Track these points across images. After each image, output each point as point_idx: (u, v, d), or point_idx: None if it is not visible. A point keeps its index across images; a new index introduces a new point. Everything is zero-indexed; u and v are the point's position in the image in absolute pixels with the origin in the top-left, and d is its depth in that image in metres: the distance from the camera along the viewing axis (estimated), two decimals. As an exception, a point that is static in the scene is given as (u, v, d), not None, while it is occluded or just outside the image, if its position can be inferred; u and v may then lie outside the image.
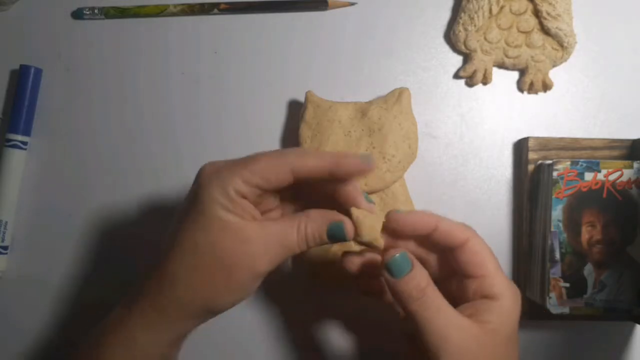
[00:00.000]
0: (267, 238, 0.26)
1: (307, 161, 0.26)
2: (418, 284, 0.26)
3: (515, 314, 0.27)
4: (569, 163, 0.34)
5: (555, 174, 0.34)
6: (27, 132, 0.38)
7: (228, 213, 0.26)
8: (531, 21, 0.37)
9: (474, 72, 0.38)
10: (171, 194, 0.39)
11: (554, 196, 0.34)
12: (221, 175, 0.26)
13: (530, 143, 0.37)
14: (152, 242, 0.38)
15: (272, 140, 0.38)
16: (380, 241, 0.28)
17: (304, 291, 0.38)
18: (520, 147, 0.38)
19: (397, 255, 0.26)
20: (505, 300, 0.27)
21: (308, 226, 0.27)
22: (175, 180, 0.39)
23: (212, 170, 0.26)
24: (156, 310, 0.27)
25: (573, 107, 0.38)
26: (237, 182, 0.25)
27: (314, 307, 0.38)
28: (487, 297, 0.27)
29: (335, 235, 0.27)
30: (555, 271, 0.34)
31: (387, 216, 0.28)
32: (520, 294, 0.28)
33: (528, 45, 0.37)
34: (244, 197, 0.26)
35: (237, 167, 0.26)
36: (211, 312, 0.27)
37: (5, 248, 0.38)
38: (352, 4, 0.39)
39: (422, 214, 0.28)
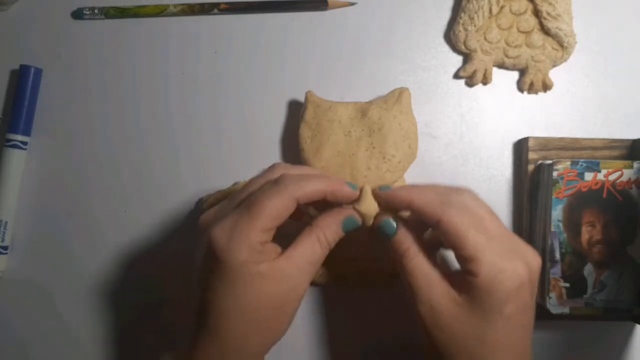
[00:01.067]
0: (299, 265, 0.28)
1: (306, 189, 0.28)
2: (401, 245, 0.29)
3: (496, 292, 0.27)
4: (569, 163, 0.34)
5: (555, 174, 0.34)
6: (27, 132, 0.39)
7: (261, 264, 0.27)
8: (531, 21, 0.37)
9: (474, 72, 0.38)
10: (171, 194, 0.39)
11: (554, 196, 0.34)
12: (239, 236, 0.27)
13: (530, 143, 0.37)
14: (152, 242, 0.38)
15: (272, 140, 0.38)
16: (371, 221, 0.31)
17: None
18: (520, 147, 0.38)
19: (383, 220, 0.30)
20: (482, 276, 0.27)
21: (326, 234, 0.29)
22: (175, 180, 0.39)
23: (224, 234, 0.27)
24: None
25: (573, 107, 0.38)
26: (258, 234, 0.27)
27: (319, 306, 0.38)
28: (466, 272, 0.28)
29: (350, 227, 0.30)
30: (555, 271, 0.34)
31: (373, 192, 0.30)
32: (519, 271, 0.27)
33: (528, 45, 0.37)
34: (267, 242, 0.28)
35: (249, 220, 0.27)
36: (263, 353, 0.29)
37: (5, 248, 0.38)
38: (352, 4, 0.39)
39: (398, 191, 0.30)
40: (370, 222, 0.31)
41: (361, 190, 0.30)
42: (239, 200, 0.29)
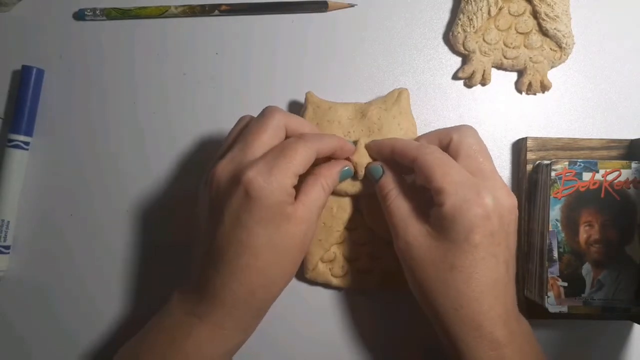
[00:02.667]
0: (312, 209, 0.30)
1: (325, 145, 0.31)
2: (383, 187, 0.32)
3: (460, 220, 0.28)
4: (567, 163, 0.34)
5: (553, 174, 0.34)
6: (29, 133, 0.39)
7: (289, 206, 0.29)
8: (529, 22, 0.37)
9: (473, 73, 0.38)
10: (172, 194, 0.39)
11: (552, 196, 0.34)
12: (277, 178, 0.29)
13: (529, 143, 0.37)
14: (153, 242, 0.39)
15: (272, 140, 0.39)
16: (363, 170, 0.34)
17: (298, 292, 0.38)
18: (519, 148, 0.38)
19: (371, 166, 0.34)
20: (447, 206, 0.29)
21: (327, 181, 0.32)
22: (176, 180, 0.39)
23: (261, 176, 0.28)
24: (228, 311, 0.30)
25: (571, 108, 0.39)
26: (292, 178, 0.29)
27: (313, 308, 0.38)
28: (435, 203, 0.30)
29: (345, 176, 0.34)
30: (554, 270, 0.34)
31: (365, 145, 0.34)
32: (485, 202, 0.29)
33: (526, 46, 0.38)
34: (294, 186, 0.30)
35: (285, 164, 0.29)
36: (279, 293, 0.31)
37: (7, 248, 0.38)
38: (352, 5, 0.39)
39: (384, 140, 0.34)
40: (362, 170, 0.34)
41: (356, 143, 0.34)
42: (255, 149, 0.30)
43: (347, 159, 0.34)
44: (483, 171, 0.31)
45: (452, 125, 0.38)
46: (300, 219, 0.30)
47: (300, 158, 0.29)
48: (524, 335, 0.30)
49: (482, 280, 0.29)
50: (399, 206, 0.31)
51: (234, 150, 0.30)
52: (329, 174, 0.32)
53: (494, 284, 0.29)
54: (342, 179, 0.34)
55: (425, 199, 0.31)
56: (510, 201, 0.30)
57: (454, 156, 0.31)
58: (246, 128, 0.31)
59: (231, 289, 0.29)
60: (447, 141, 0.32)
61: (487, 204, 0.29)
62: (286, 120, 0.31)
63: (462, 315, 0.29)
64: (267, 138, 0.30)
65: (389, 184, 0.32)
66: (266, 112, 0.31)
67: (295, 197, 0.30)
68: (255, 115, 0.33)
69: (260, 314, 0.32)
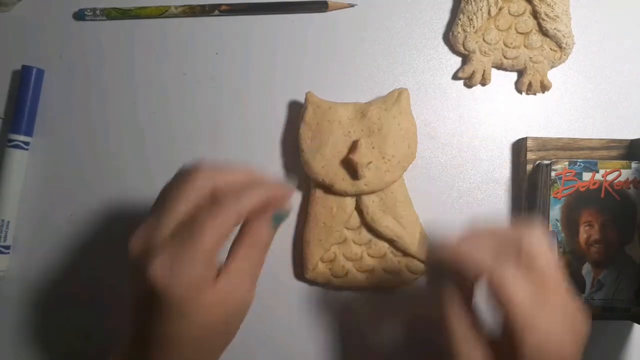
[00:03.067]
0: (242, 276, 0.27)
1: (249, 204, 0.26)
2: (445, 302, 0.27)
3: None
4: (567, 163, 0.34)
5: (553, 174, 0.34)
6: (29, 133, 0.39)
7: (205, 296, 0.25)
8: (529, 22, 0.37)
9: (473, 73, 0.38)
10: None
11: (552, 196, 0.34)
12: (185, 267, 0.25)
13: (529, 143, 0.37)
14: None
15: (272, 140, 0.39)
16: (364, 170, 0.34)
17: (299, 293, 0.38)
18: (519, 148, 0.38)
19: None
20: (527, 349, 0.25)
21: (258, 239, 0.27)
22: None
23: (165, 271, 0.25)
24: None
25: (571, 108, 0.39)
26: (202, 265, 0.25)
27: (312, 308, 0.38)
28: (511, 337, 0.25)
29: (280, 221, 0.28)
30: (554, 270, 0.34)
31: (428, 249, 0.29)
32: (566, 343, 0.26)
33: (526, 46, 0.38)
34: (210, 269, 0.26)
35: (192, 254, 0.25)
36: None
37: (7, 247, 0.38)
38: (352, 5, 0.39)
39: (443, 245, 0.27)
40: (362, 171, 0.34)
41: (357, 142, 0.34)
42: (169, 222, 0.26)
43: (347, 158, 0.31)
44: (559, 293, 0.26)
45: (452, 125, 0.39)
46: (222, 301, 0.26)
47: (210, 236, 0.25)
48: None
49: None
50: (463, 329, 0.27)
51: (148, 219, 0.27)
52: (257, 231, 0.27)
53: None
54: (277, 224, 0.28)
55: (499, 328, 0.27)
56: (585, 330, 0.27)
57: (526, 267, 0.26)
58: (167, 187, 0.27)
59: None
60: (516, 248, 0.26)
61: (568, 347, 0.26)
62: (212, 182, 0.27)
63: None
64: (181, 210, 0.26)
65: (451, 298, 0.27)
66: (191, 169, 0.27)
67: (220, 272, 0.26)
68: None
69: None
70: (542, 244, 0.26)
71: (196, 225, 0.25)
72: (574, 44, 0.38)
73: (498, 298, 0.25)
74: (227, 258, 0.27)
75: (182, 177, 0.27)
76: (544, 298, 0.25)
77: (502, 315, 0.26)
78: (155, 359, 0.26)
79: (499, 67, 0.38)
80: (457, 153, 0.38)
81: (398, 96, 0.37)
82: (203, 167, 0.27)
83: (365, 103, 0.37)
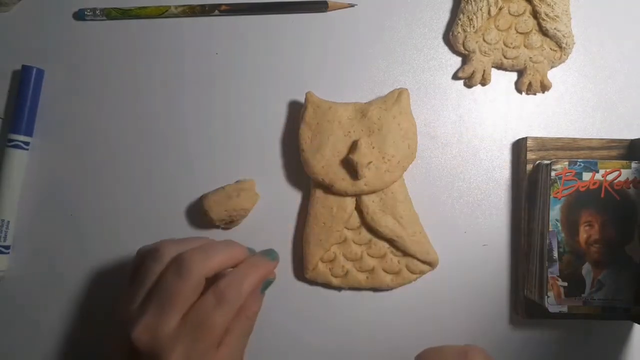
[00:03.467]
0: (236, 347, 0.30)
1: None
2: None
3: None
4: (567, 163, 0.34)
5: (553, 174, 0.34)
6: (29, 133, 0.39)
7: None
8: (529, 22, 0.37)
9: (473, 72, 0.38)
10: (173, 194, 0.39)
11: (552, 196, 0.34)
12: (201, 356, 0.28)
13: (529, 143, 0.37)
14: (153, 242, 0.39)
15: (272, 140, 0.39)
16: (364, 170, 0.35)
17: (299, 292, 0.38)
18: (519, 147, 0.38)
19: None
20: None
21: (253, 309, 0.31)
22: (176, 179, 0.39)
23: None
24: None
25: (571, 108, 0.39)
26: (214, 351, 0.29)
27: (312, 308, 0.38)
28: None
29: (267, 287, 0.32)
30: (554, 270, 0.34)
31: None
32: None
33: (526, 46, 0.38)
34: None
35: (204, 344, 0.28)
36: None
37: (7, 247, 0.38)
38: (352, 5, 0.39)
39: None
40: (362, 170, 0.34)
41: (357, 142, 0.35)
42: (173, 317, 0.29)
43: (347, 158, 0.33)
44: None
45: (452, 125, 0.39)
46: None
47: (220, 330, 0.29)
48: None
49: None
50: None
51: (148, 312, 0.29)
52: (250, 306, 0.30)
53: None
54: (265, 290, 0.32)
55: None
56: None
57: None
58: (162, 283, 0.29)
59: None
60: None
61: None
62: (207, 272, 0.29)
63: None
64: (183, 302, 0.28)
65: None
66: (185, 266, 0.29)
67: (224, 340, 0.29)
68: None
69: None
70: None
71: (206, 316, 0.28)
72: (574, 43, 0.38)
73: None
74: (226, 332, 0.29)
75: (174, 269, 0.29)
76: None
77: None
78: None
79: (499, 67, 0.38)
80: (457, 153, 0.38)
81: (398, 96, 0.37)
82: (192, 261, 0.29)
83: (365, 103, 0.37)
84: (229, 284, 0.29)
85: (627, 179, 0.34)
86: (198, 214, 0.38)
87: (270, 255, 0.32)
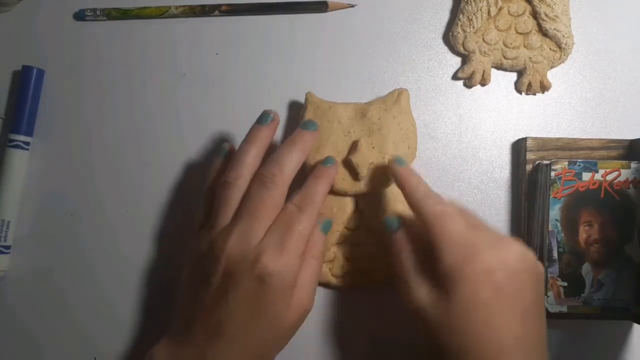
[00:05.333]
0: (309, 288, 0.31)
1: (322, 196, 0.33)
2: (396, 244, 0.31)
3: (465, 277, 0.27)
4: (566, 163, 0.34)
5: (553, 174, 0.34)
6: (29, 133, 0.39)
7: (293, 288, 0.30)
8: (529, 23, 0.38)
9: (473, 73, 0.38)
10: (173, 193, 0.39)
11: (551, 196, 0.34)
12: (289, 262, 0.30)
13: (528, 143, 0.37)
14: (154, 242, 0.39)
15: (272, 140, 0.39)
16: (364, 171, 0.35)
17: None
18: (519, 148, 0.38)
19: (387, 217, 0.33)
20: (446, 264, 0.28)
21: (320, 249, 0.32)
22: (177, 179, 0.39)
23: (274, 263, 0.29)
24: None
25: (571, 108, 0.39)
26: (301, 259, 0.31)
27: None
28: (437, 260, 0.28)
29: (328, 228, 0.34)
30: (553, 270, 0.34)
31: (389, 161, 0.34)
32: (486, 257, 0.27)
33: (526, 47, 0.38)
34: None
35: (295, 246, 0.30)
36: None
37: (8, 247, 0.38)
38: (352, 5, 0.39)
39: (401, 170, 0.32)
40: (363, 171, 0.34)
41: (357, 143, 0.35)
42: (260, 229, 0.30)
43: (347, 159, 0.34)
44: (481, 225, 0.30)
45: (452, 125, 0.39)
46: (299, 304, 0.30)
47: (306, 235, 0.31)
48: None
49: (501, 339, 0.27)
50: (409, 268, 0.30)
51: (239, 225, 0.30)
52: (315, 243, 0.32)
53: (515, 340, 0.27)
54: (327, 231, 0.34)
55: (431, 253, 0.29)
56: (515, 249, 0.28)
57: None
58: (248, 197, 0.31)
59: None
60: None
61: (488, 260, 0.27)
62: (288, 179, 0.32)
63: None
64: (271, 210, 0.31)
65: (402, 240, 0.31)
66: (267, 180, 0.31)
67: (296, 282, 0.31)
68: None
69: None
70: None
71: (292, 221, 0.30)
72: (573, 44, 0.38)
73: (426, 223, 0.29)
74: (297, 276, 0.30)
75: (258, 185, 0.31)
76: (471, 231, 0.29)
77: (430, 239, 0.29)
78: (233, 348, 0.29)
79: (499, 67, 0.38)
80: (457, 153, 0.38)
81: (398, 96, 0.37)
82: (273, 172, 0.31)
83: (365, 103, 0.37)
84: (305, 195, 0.32)
85: (627, 179, 0.34)
86: (194, 221, 0.38)
87: (313, 126, 0.34)
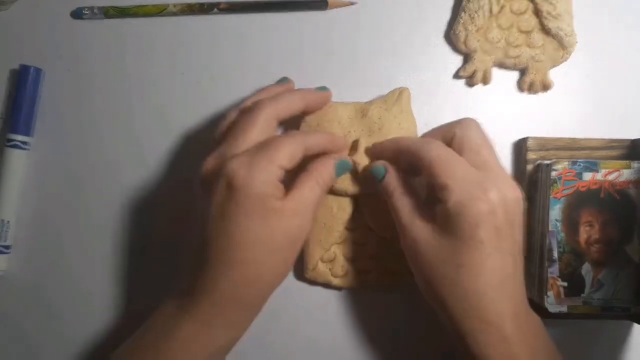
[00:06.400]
0: (305, 204, 0.30)
1: (313, 140, 0.32)
2: (388, 186, 0.32)
3: (465, 216, 0.28)
4: (567, 163, 0.34)
5: (553, 174, 0.34)
6: (27, 132, 0.39)
7: (277, 200, 0.29)
8: (531, 21, 0.37)
9: (474, 71, 0.38)
10: (173, 194, 0.39)
11: (552, 196, 0.34)
12: (260, 170, 0.28)
13: (529, 143, 0.37)
14: (154, 242, 0.39)
15: (272, 140, 0.39)
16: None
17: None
18: (520, 147, 0.38)
19: (374, 166, 0.33)
20: (452, 202, 0.29)
21: (322, 177, 0.31)
22: (177, 179, 0.39)
23: (244, 167, 0.28)
24: (216, 307, 0.29)
25: (572, 107, 0.38)
26: (276, 170, 0.29)
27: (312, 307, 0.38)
28: (439, 200, 0.29)
29: (342, 171, 0.34)
30: (553, 270, 0.34)
31: (367, 149, 0.35)
32: (490, 196, 0.29)
33: (528, 45, 0.37)
34: (280, 180, 0.29)
35: (268, 156, 0.29)
36: (270, 291, 0.31)
37: (7, 247, 0.38)
38: (352, 3, 0.39)
39: (386, 141, 0.34)
40: (363, 171, 0.34)
41: (357, 142, 0.35)
42: (242, 145, 0.30)
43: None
44: (487, 164, 0.30)
45: (453, 124, 0.38)
46: (290, 212, 0.29)
47: (284, 151, 0.29)
48: (533, 330, 0.30)
49: (490, 277, 0.28)
50: (405, 204, 0.31)
51: (221, 146, 0.30)
52: (323, 169, 0.31)
53: (502, 280, 0.29)
54: (340, 173, 0.33)
55: (431, 197, 0.31)
56: (514, 194, 0.30)
57: (458, 151, 0.31)
58: (234, 123, 0.31)
59: (218, 285, 0.28)
60: (451, 136, 0.32)
61: (491, 199, 0.29)
62: (277, 113, 0.31)
63: (470, 312, 0.28)
64: (255, 134, 0.30)
65: (392, 182, 0.32)
66: (255, 107, 0.31)
67: (288, 193, 0.30)
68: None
69: (251, 312, 0.31)
70: (475, 130, 0.32)
71: (273, 139, 0.30)
72: (576, 42, 0.37)
73: (426, 167, 0.30)
74: (293, 187, 0.30)
75: (248, 109, 0.31)
76: (475, 171, 0.30)
77: (431, 181, 0.30)
78: (219, 268, 0.28)
79: (501, 66, 0.38)
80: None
81: (399, 95, 0.36)
82: (265, 102, 0.31)
83: (365, 102, 0.37)
84: (297, 132, 0.33)
85: (628, 179, 0.34)
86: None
87: (324, 89, 0.35)
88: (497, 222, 0.29)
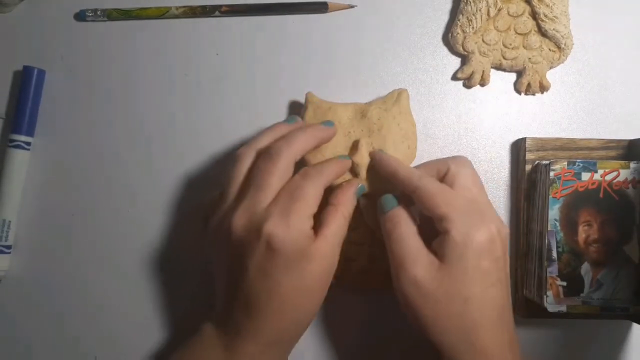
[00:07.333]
0: (333, 243, 0.30)
1: (329, 177, 0.32)
2: (394, 217, 0.31)
3: (470, 246, 0.28)
4: (565, 163, 0.34)
5: (552, 174, 0.34)
6: (30, 133, 0.39)
7: (310, 246, 0.29)
8: (528, 23, 0.38)
9: (472, 73, 0.38)
10: (174, 194, 0.39)
11: (551, 196, 0.35)
12: (296, 226, 0.29)
13: (528, 143, 0.37)
14: (155, 242, 0.39)
15: (272, 140, 0.39)
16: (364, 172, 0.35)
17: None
18: (518, 148, 0.38)
19: (388, 195, 0.33)
20: (454, 232, 0.29)
21: (347, 208, 0.32)
22: (177, 180, 0.39)
23: (280, 228, 0.29)
24: (260, 346, 0.30)
25: (570, 108, 0.39)
26: (309, 221, 0.30)
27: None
28: (441, 231, 0.30)
29: (360, 194, 0.34)
30: (553, 270, 0.34)
31: (374, 153, 0.34)
32: (490, 227, 0.29)
33: (525, 47, 0.38)
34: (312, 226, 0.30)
35: (300, 210, 0.29)
36: (306, 327, 0.32)
37: (9, 247, 0.38)
38: (352, 6, 0.39)
39: (388, 159, 0.33)
40: (363, 172, 0.34)
41: (357, 143, 0.35)
42: (266, 197, 0.30)
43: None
44: (477, 201, 0.31)
45: (452, 125, 0.39)
46: (322, 256, 0.30)
47: (312, 199, 0.30)
48: (519, 352, 0.30)
49: (493, 308, 0.29)
50: (410, 238, 0.30)
51: (245, 198, 0.30)
52: (347, 201, 0.32)
53: (501, 310, 0.29)
54: (358, 196, 0.34)
55: (427, 229, 0.31)
56: (505, 229, 0.31)
57: (450, 186, 0.31)
58: (255, 170, 0.31)
59: (264, 333, 0.30)
60: (445, 170, 0.32)
61: (491, 229, 0.29)
62: (294, 156, 0.31)
63: (476, 346, 0.28)
64: (277, 183, 0.30)
65: (401, 214, 0.32)
66: (273, 153, 0.31)
67: (317, 230, 0.30)
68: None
69: (290, 349, 0.32)
70: (466, 167, 0.32)
71: (297, 187, 0.30)
72: (572, 44, 0.38)
73: (424, 199, 0.30)
74: (322, 224, 0.30)
75: (264, 157, 0.31)
76: (471, 202, 0.30)
77: (431, 214, 0.30)
78: (264, 320, 0.30)
79: (498, 67, 0.39)
80: (457, 153, 0.39)
81: (398, 96, 0.37)
82: (281, 145, 0.31)
83: (365, 103, 0.37)
84: (309, 167, 0.32)
85: (626, 179, 0.34)
86: (198, 217, 0.38)
87: (330, 124, 0.35)
88: (497, 252, 0.29)
